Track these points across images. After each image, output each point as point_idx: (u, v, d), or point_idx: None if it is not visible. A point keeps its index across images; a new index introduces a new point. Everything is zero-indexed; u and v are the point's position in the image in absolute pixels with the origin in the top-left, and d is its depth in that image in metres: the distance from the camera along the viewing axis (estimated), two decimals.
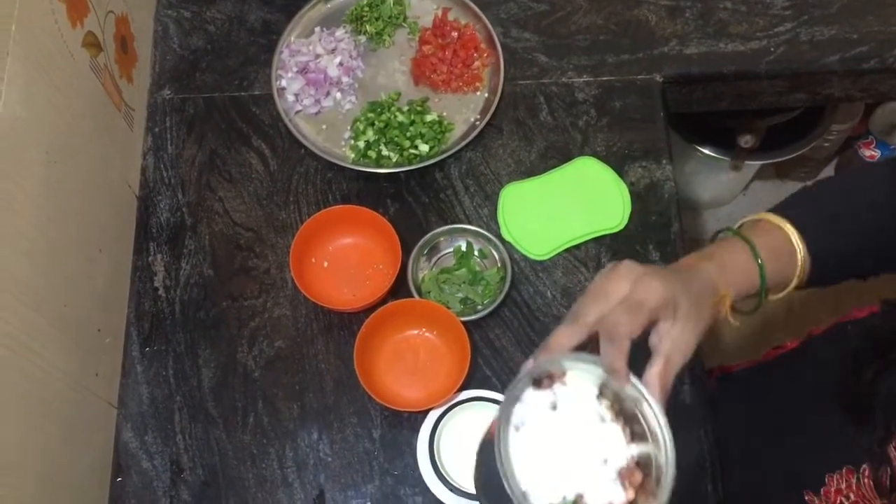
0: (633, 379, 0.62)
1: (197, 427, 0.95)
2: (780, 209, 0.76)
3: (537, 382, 0.63)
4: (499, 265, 1.01)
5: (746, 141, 1.57)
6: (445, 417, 0.92)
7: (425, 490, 0.91)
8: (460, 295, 1.00)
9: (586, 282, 1.01)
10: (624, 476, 0.60)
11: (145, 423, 0.96)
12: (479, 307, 0.99)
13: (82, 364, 0.89)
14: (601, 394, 0.63)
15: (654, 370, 0.63)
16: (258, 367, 0.98)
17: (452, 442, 0.92)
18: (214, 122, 1.12)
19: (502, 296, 0.98)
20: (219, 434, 0.95)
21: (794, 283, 0.73)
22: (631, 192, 1.06)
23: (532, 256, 1.03)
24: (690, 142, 1.71)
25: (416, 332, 0.98)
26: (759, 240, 0.72)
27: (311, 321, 1.00)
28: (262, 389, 0.97)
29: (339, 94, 1.12)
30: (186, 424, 0.96)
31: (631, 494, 0.60)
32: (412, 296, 0.97)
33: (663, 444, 0.61)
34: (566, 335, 0.63)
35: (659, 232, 1.05)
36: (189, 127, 1.12)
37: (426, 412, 0.93)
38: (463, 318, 0.94)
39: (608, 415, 0.62)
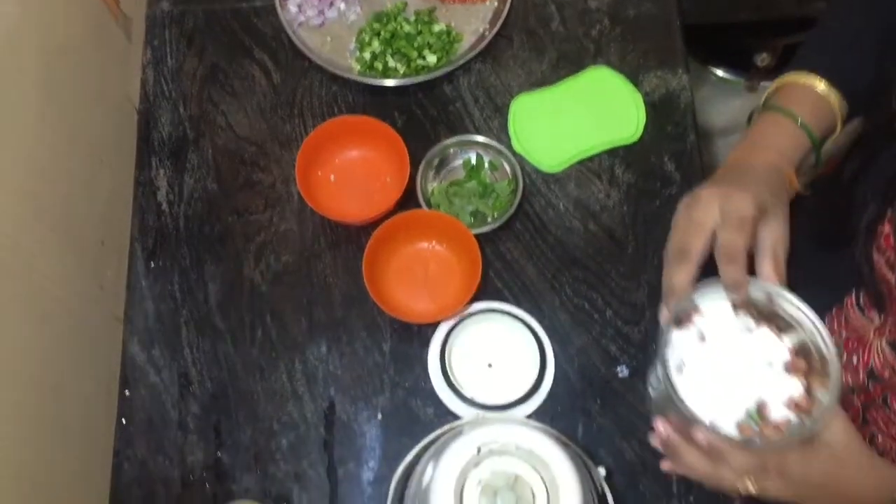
0: (755, 281, 0.66)
1: (204, 341, 0.94)
2: (802, 64, 0.79)
3: (678, 324, 0.66)
4: (510, 177, 0.98)
5: (763, 59, 1.52)
6: (456, 329, 0.91)
7: (437, 402, 0.90)
8: (470, 208, 0.98)
9: (600, 194, 0.99)
10: (790, 368, 0.65)
11: (152, 338, 0.94)
12: (490, 220, 0.97)
13: (85, 275, 0.88)
14: (736, 307, 0.67)
15: (767, 268, 0.68)
16: (265, 282, 0.96)
17: (464, 353, 0.91)
18: (215, 34, 1.08)
19: (513, 208, 0.96)
20: (226, 348, 0.94)
21: (839, 126, 0.78)
22: (646, 103, 1.03)
23: (544, 168, 1.00)
24: (705, 63, 1.66)
25: (426, 244, 0.95)
26: (796, 106, 0.76)
27: (319, 235, 0.98)
28: (269, 304, 0.95)
29: (343, 5, 1.09)
30: (194, 339, 0.94)
31: (804, 381, 0.64)
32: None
33: (811, 325, 0.64)
34: (684, 274, 0.67)
35: (675, 143, 1.01)
36: (189, 40, 1.08)
37: (436, 325, 0.92)
38: (474, 231, 0.92)
39: (751, 322, 0.67)
